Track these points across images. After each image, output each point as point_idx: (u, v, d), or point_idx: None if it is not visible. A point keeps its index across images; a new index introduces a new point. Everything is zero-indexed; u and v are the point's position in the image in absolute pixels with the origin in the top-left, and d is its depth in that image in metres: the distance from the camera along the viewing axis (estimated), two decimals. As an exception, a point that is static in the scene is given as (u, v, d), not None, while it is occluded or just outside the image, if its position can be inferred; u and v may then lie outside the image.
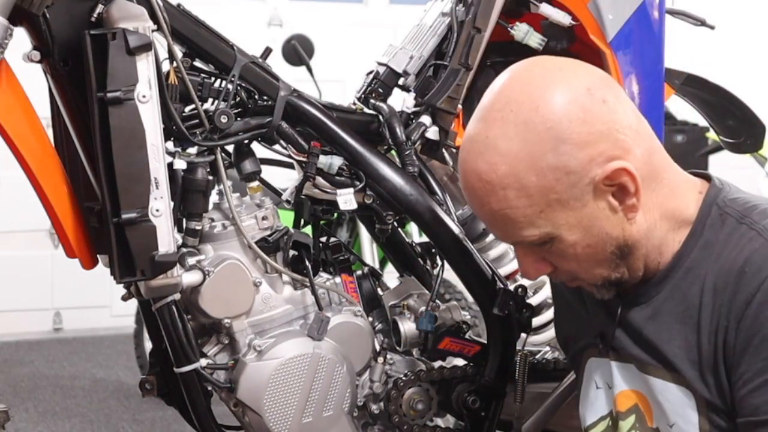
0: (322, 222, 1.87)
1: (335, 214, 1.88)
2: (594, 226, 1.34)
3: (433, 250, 1.92)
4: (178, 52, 1.69)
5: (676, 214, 1.39)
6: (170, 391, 1.84)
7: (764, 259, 1.32)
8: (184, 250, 1.70)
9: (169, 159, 1.64)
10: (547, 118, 1.29)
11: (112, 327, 5.30)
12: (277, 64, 1.89)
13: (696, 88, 2.01)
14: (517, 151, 1.30)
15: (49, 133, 1.68)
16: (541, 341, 2.01)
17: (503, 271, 1.94)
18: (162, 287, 1.63)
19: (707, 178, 1.45)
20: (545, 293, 1.98)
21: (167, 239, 1.60)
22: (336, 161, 1.76)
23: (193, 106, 1.71)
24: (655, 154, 1.37)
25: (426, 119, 1.81)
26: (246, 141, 1.75)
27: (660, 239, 1.40)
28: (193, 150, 1.73)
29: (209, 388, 1.76)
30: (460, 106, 1.81)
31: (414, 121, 1.82)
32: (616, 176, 1.31)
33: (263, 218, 1.75)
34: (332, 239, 1.89)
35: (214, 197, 1.76)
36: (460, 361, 1.89)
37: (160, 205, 1.58)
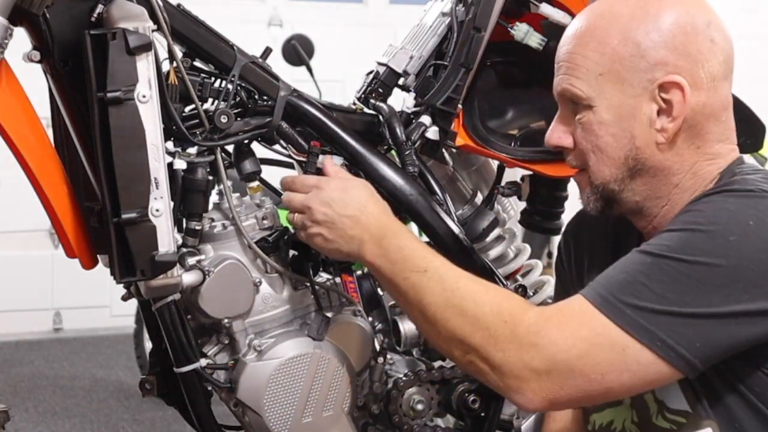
0: (322, 222, 1.87)
1: (335, 214, 1.87)
2: (626, 120, 1.43)
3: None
4: (178, 52, 1.69)
5: (704, 179, 1.44)
6: (170, 391, 1.84)
7: (720, 195, 1.37)
8: (184, 250, 1.69)
9: (169, 159, 1.64)
10: (661, 10, 1.42)
11: (112, 327, 5.31)
12: (277, 64, 1.89)
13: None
14: (621, 16, 1.43)
15: (49, 133, 1.68)
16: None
17: (503, 271, 1.94)
18: (162, 287, 1.63)
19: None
20: (545, 293, 1.98)
21: (167, 239, 1.60)
22: (336, 161, 1.76)
23: (193, 106, 1.71)
24: (716, 122, 1.44)
25: (426, 119, 1.81)
26: (246, 141, 1.75)
27: (671, 190, 1.45)
28: (193, 150, 1.73)
29: (209, 388, 1.76)
30: (460, 106, 1.81)
31: (414, 121, 1.82)
32: (671, 88, 1.40)
33: (263, 218, 1.75)
34: (332, 239, 1.89)
35: (214, 197, 1.76)
36: (460, 361, 1.89)
37: (160, 205, 1.58)
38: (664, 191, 1.45)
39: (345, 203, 1.58)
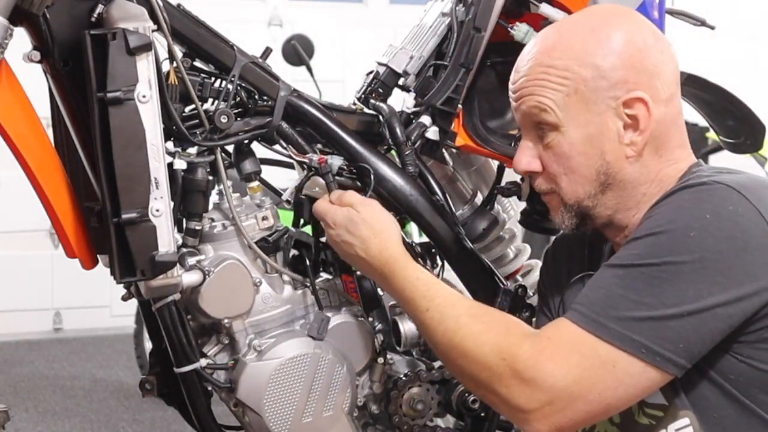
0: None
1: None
2: (596, 139, 1.45)
3: (433, 250, 1.92)
4: (178, 52, 1.69)
5: (667, 183, 1.47)
6: (170, 391, 1.84)
7: (675, 194, 1.40)
8: (184, 250, 1.70)
9: (169, 159, 1.64)
10: (611, 34, 1.45)
11: (112, 327, 5.31)
12: (277, 64, 1.89)
13: (696, 88, 2.01)
14: (574, 45, 1.46)
15: (49, 133, 1.68)
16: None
17: (503, 271, 1.94)
18: (162, 287, 1.63)
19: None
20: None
21: (167, 239, 1.60)
22: (336, 161, 1.76)
23: (193, 106, 1.71)
24: (675, 129, 1.48)
25: (426, 119, 1.81)
26: (246, 141, 1.75)
27: (640, 199, 1.48)
28: (193, 150, 1.73)
29: (209, 388, 1.76)
30: (460, 106, 1.81)
31: (414, 121, 1.82)
32: (635, 105, 1.43)
33: (263, 218, 1.75)
34: (332, 239, 1.89)
35: (214, 197, 1.76)
36: (460, 361, 1.89)
37: (160, 205, 1.58)
38: (633, 202, 1.48)
39: (349, 243, 1.64)
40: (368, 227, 1.63)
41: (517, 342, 1.41)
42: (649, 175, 1.47)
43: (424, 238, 1.89)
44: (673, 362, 1.33)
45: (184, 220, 1.72)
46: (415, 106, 1.85)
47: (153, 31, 1.59)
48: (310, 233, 1.84)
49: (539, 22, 1.79)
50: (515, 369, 1.39)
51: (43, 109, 1.67)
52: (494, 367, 1.41)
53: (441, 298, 1.53)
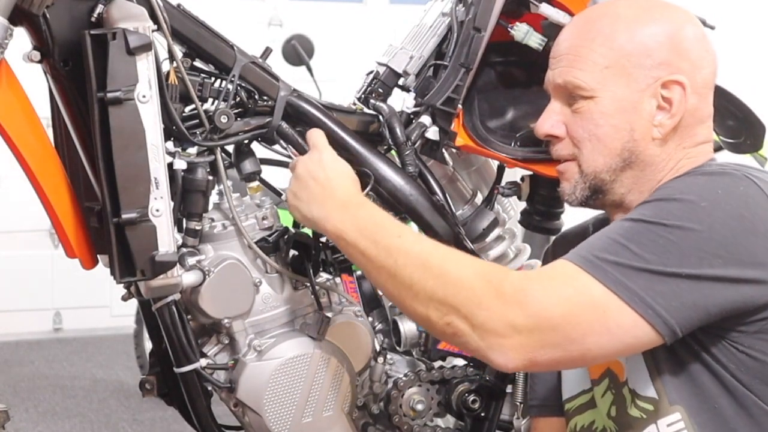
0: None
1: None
2: (627, 113, 1.48)
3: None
4: (178, 52, 1.69)
5: (680, 173, 1.49)
6: (170, 391, 1.84)
7: (687, 174, 1.45)
8: (184, 250, 1.69)
9: (169, 159, 1.64)
10: (664, 17, 1.50)
11: (112, 327, 5.32)
12: (277, 64, 1.89)
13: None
14: (626, 17, 1.50)
15: (49, 133, 1.68)
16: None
17: (503, 271, 1.94)
18: (162, 287, 1.63)
19: None
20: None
21: (167, 239, 1.60)
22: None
23: (193, 106, 1.71)
24: (702, 126, 1.52)
25: (426, 119, 1.81)
26: (246, 141, 1.76)
27: (655, 185, 1.50)
28: (193, 150, 1.73)
29: (209, 388, 1.76)
30: (460, 106, 1.81)
31: (414, 121, 1.82)
32: (673, 87, 1.47)
33: (263, 218, 1.75)
34: (332, 239, 1.89)
35: (214, 197, 1.76)
36: (460, 361, 1.89)
37: (160, 205, 1.58)
38: (648, 186, 1.51)
39: (325, 168, 1.56)
40: (349, 173, 1.58)
41: (504, 269, 1.40)
42: (669, 162, 1.50)
43: (424, 238, 1.89)
44: (663, 320, 1.32)
45: (184, 220, 1.72)
46: (415, 106, 1.85)
47: (153, 31, 1.59)
48: (310, 233, 1.84)
49: (539, 22, 1.79)
50: (501, 290, 1.33)
51: (43, 109, 1.67)
52: (475, 287, 1.35)
53: (414, 231, 1.49)
